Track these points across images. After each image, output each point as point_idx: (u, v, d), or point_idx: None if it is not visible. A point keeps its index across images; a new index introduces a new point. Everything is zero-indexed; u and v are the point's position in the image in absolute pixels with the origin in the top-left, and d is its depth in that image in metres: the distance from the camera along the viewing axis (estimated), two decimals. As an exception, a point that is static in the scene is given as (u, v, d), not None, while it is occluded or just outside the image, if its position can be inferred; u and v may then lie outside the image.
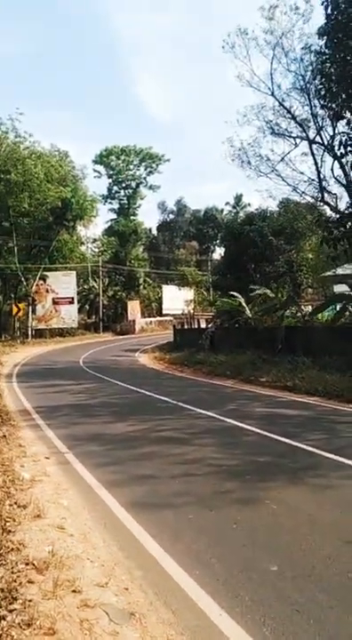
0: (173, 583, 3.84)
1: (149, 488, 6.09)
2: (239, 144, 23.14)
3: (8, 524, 4.56)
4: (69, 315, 50.33)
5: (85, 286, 60.85)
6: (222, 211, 78.32)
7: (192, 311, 45.75)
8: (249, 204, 69.82)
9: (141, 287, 64.75)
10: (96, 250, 66.01)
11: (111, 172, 70.46)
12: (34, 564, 3.84)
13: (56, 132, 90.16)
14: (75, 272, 52.04)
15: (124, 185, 71.59)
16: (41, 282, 48.02)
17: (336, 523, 4.98)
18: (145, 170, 71.56)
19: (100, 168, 70.41)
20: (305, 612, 3.43)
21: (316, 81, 19.58)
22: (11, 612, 3.16)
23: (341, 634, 3.21)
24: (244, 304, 23.75)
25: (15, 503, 5.12)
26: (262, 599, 3.60)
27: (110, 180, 71.31)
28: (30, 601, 3.32)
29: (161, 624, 3.30)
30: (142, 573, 3.98)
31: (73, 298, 50.71)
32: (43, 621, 3.12)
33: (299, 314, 22.16)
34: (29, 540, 4.33)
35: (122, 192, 72.15)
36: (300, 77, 21.01)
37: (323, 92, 18.26)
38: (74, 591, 3.57)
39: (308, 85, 20.75)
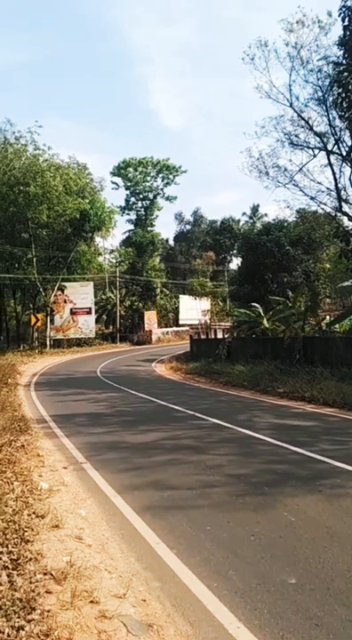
0: (191, 595, 3.82)
1: (167, 498, 6.08)
2: (257, 154, 23.18)
3: (26, 533, 4.58)
4: (87, 325, 50.63)
5: (103, 296, 61.27)
6: (239, 221, 78.32)
7: (209, 321, 45.64)
8: (266, 215, 69.89)
9: (158, 297, 64.91)
10: (113, 260, 66.52)
11: (129, 184, 71.02)
12: (52, 574, 3.85)
13: (73, 144, 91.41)
14: (92, 283, 52.43)
15: (141, 196, 72.09)
16: (59, 292, 48.44)
17: (355, 536, 4.91)
18: (162, 181, 71.99)
19: (118, 180, 71.06)
20: (324, 625, 3.38)
21: (334, 91, 19.58)
22: (29, 622, 3.16)
23: (361, 650, 3.16)
24: (261, 313, 23.68)
25: (33, 513, 5.15)
26: (281, 612, 3.56)
27: (128, 192, 71.90)
28: (48, 611, 3.33)
29: (179, 636, 3.29)
30: (160, 585, 3.97)
31: (90, 308, 51.03)
32: (61, 632, 3.13)
33: (317, 325, 22.02)
34: (47, 550, 4.35)
35: (139, 203, 72.64)
36: (318, 88, 21.04)
37: (340, 103, 18.25)
38: (92, 602, 3.58)
39: (325, 96, 20.77)
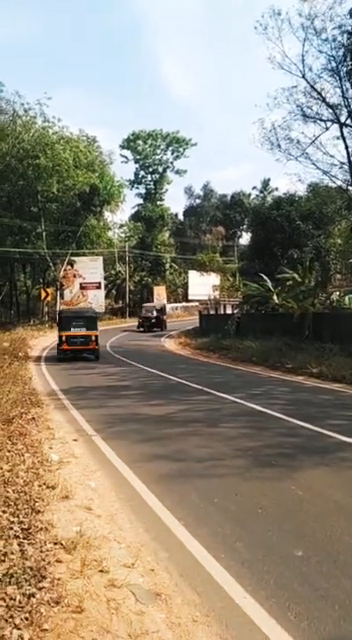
0: (199, 566, 3.87)
1: (176, 471, 6.13)
2: (269, 126, 22.69)
3: (37, 504, 4.65)
4: (96, 300, 50.61)
5: (112, 271, 61.14)
6: (249, 195, 77.24)
7: (218, 297, 45.51)
8: (276, 189, 68.74)
9: (167, 273, 64.71)
10: (123, 235, 66.14)
11: (138, 157, 70.09)
12: (62, 544, 3.92)
13: (82, 117, 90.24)
14: (102, 257, 52.26)
15: (150, 170, 71.19)
16: (69, 267, 48.37)
17: (363, 510, 4.94)
18: (172, 154, 70.95)
19: (127, 153, 70.11)
20: (330, 597, 3.42)
21: (348, 62, 19.03)
22: (40, 589, 3.22)
23: (367, 621, 3.19)
24: (271, 288, 23.51)
25: (44, 484, 5.22)
26: (287, 584, 3.59)
27: (137, 165, 71.00)
28: (59, 579, 3.39)
29: (186, 605, 3.34)
30: (168, 555, 4.02)
31: (100, 283, 50.97)
32: (71, 599, 3.18)
33: (327, 300, 21.86)
34: (58, 521, 4.42)
35: (149, 177, 71.78)
36: (332, 59, 20.45)
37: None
38: (101, 571, 3.63)
39: (339, 67, 20.20)
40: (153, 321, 40.93)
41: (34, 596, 3.13)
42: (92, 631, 2.94)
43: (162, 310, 44.25)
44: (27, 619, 2.93)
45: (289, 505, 5.07)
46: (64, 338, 20.24)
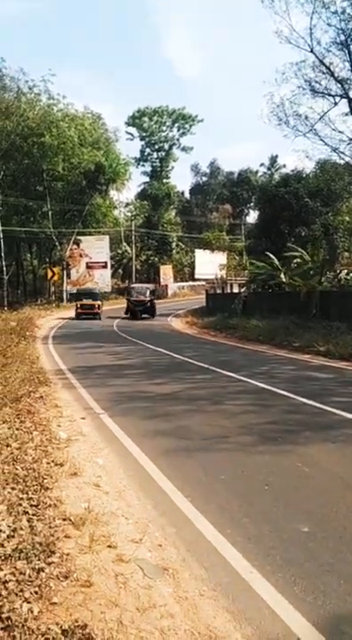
0: (205, 541, 3.90)
1: (183, 448, 6.16)
2: (278, 101, 22.27)
3: (46, 481, 4.69)
4: (103, 279, 50.65)
5: (118, 251, 60.93)
6: (257, 172, 76.28)
7: (225, 276, 45.29)
8: (284, 166, 67.85)
9: (174, 252, 64.42)
10: (129, 214, 65.75)
11: (144, 134, 69.23)
12: (71, 520, 3.96)
13: (85, 93, 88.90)
14: (108, 236, 52.10)
15: (156, 147, 70.37)
16: (75, 246, 48.31)
17: (369, 487, 4.96)
18: (178, 131, 70.01)
19: (133, 130, 69.26)
20: (335, 572, 3.44)
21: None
22: (49, 564, 3.27)
23: (372, 595, 3.22)
24: (278, 266, 23.37)
25: (52, 461, 5.26)
26: (293, 559, 3.63)
27: (143, 143, 70.18)
28: (68, 555, 3.44)
29: (193, 580, 3.38)
30: (175, 531, 4.06)
31: (106, 262, 50.93)
32: (79, 574, 3.23)
33: (335, 278, 21.70)
34: (66, 497, 4.46)
35: (154, 154, 71.00)
36: (341, 32, 19.94)
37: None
38: (109, 546, 3.68)
39: (348, 40, 19.71)
40: (147, 305, 33.63)
41: (43, 571, 3.18)
42: (100, 604, 2.99)
43: (154, 293, 37.35)
44: (36, 592, 2.98)
45: (295, 481, 5.10)
46: (79, 305, 33.39)
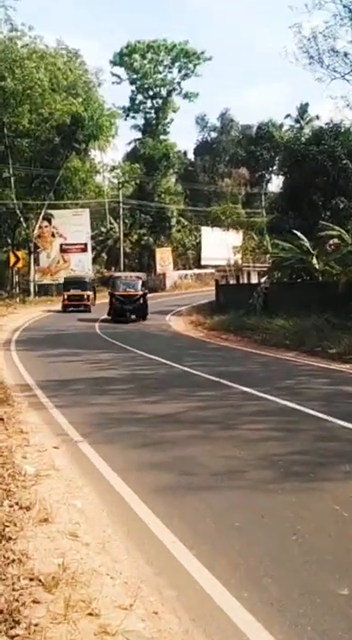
0: (215, 607, 3.91)
1: (185, 486, 6.18)
2: (309, 33, 22.34)
3: (8, 529, 4.70)
4: (82, 266, 50.67)
5: (102, 229, 61.03)
6: (281, 126, 76.24)
7: (240, 262, 45.36)
8: (317, 117, 67.76)
9: (174, 230, 64.47)
10: (115, 181, 65.74)
11: (134, 77, 69.37)
12: (40, 580, 3.96)
13: (61, 25, 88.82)
14: (88, 210, 52.19)
15: (151, 93, 70.50)
16: (45, 223, 48.35)
17: None
18: (179, 72, 70.29)
19: (121, 71, 69.52)
20: (384, 648, 3.46)
21: None
22: (12, 638, 3.27)
23: None
24: (310, 249, 23.38)
25: (16, 504, 5.27)
26: (329, 630, 3.63)
27: (133, 87, 70.41)
28: (36, 625, 3.44)
29: (199, 658, 3.39)
30: (176, 594, 4.07)
31: (86, 244, 50.99)
32: (52, 651, 3.24)
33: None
34: (34, 550, 4.47)
35: (148, 103, 71.21)
36: None
37: None
38: (90, 614, 3.68)
39: None
40: (139, 302, 31.44)
41: (5, 646, 3.20)
42: None
43: (146, 285, 35.22)
44: None
45: (331, 529, 5.11)
46: (66, 296, 38.25)
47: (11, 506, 5.21)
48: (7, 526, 4.76)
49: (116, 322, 30.26)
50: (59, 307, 38.40)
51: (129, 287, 32.06)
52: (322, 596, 4.02)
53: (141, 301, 31.44)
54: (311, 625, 3.69)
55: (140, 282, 33.11)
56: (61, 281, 50.11)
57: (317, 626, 3.68)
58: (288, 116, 76.21)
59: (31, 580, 3.98)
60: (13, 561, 4.20)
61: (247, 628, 3.66)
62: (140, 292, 31.80)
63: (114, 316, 30.95)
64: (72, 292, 38.48)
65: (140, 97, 71.04)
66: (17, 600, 3.65)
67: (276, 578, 4.29)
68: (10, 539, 4.56)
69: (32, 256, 47.91)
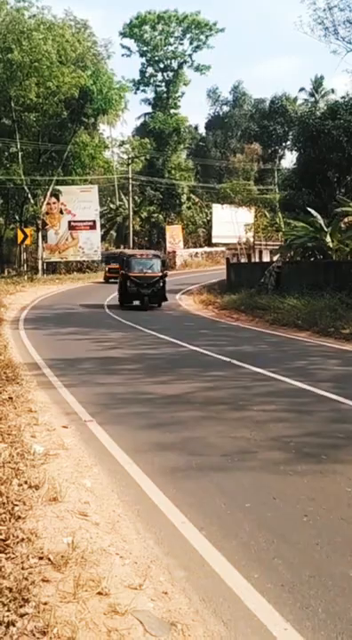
0: (225, 588, 3.94)
1: (195, 467, 6.20)
2: (324, 4, 22.00)
3: (17, 508, 4.73)
4: (90, 243, 50.52)
5: (111, 205, 60.78)
6: (295, 100, 75.31)
7: (252, 240, 45.13)
8: (332, 91, 67.10)
9: (184, 207, 64.08)
10: (125, 156, 65.41)
11: (145, 49, 68.62)
12: (49, 559, 3.99)
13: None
14: (97, 186, 51.93)
15: (161, 65, 69.77)
16: (53, 199, 48.15)
17: None
18: (190, 44, 69.41)
19: (130, 43, 68.72)
20: None
21: None
22: (21, 616, 3.29)
23: None
24: (323, 226, 23.22)
25: (25, 483, 5.31)
26: (340, 612, 3.65)
27: (144, 60, 69.64)
28: (45, 604, 3.47)
29: (209, 638, 3.42)
30: (186, 574, 4.10)
31: (94, 221, 50.74)
32: (61, 629, 3.26)
33: None
34: (43, 529, 4.51)
35: (159, 75, 70.48)
36: None
37: None
38: (99, 594, 3.71)
39: None
40: (159, 285, 26.52)
41: (14, 625, 3.22)
42: (88, 669, 3.03)
43: (165, 264, 30.23)
44: (6, 653, 3.03)
45: (343, 512, 5.12)
46: (107, 268, 41.87)
47: (20, 485, 5.24)
48: (16, 505, 4.79)
49: (128, 309, 26.22)
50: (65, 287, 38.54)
51: (146, 268, 26.69)
52: (333, 578, 4.04)
53: (161, 284, 26.56)
54: (322, 607, 3.71)
55: (159, 261, 27.84)
56: (70, 259, 50.47)
57: (329, 608, 3.70)
58: (302, 89, 75.40)
59: (40, 558, 4.01)
60: (23, 540, 4.23)
61: (257, 609, 3.69)
62: (159, 274, 26.50)
63: (126, 300, 26.77)
64: (112, 265, 40.29)
65: (150, 70, 70.39)
66: (26, 579, 3.68)
67: (286, 559, 4.31)
68: (19, 517, 4.59)
69: (40, 233, 47.79)
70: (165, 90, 70.24)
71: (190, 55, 70.07)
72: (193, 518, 4.95)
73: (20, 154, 44.58)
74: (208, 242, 64.68)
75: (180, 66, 70.21)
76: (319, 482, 5.81)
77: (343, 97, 30.53)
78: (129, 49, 69.08)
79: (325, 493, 5.53)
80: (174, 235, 60.10)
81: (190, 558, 4.34)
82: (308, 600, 3.79)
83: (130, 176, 58.62)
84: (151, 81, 70.80)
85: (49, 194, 47.30)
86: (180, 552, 4.43)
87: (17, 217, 52.07)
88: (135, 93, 70.06)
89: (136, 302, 26.17)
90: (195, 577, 4.08)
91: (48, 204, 47.83)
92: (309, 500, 5.36)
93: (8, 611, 3.32)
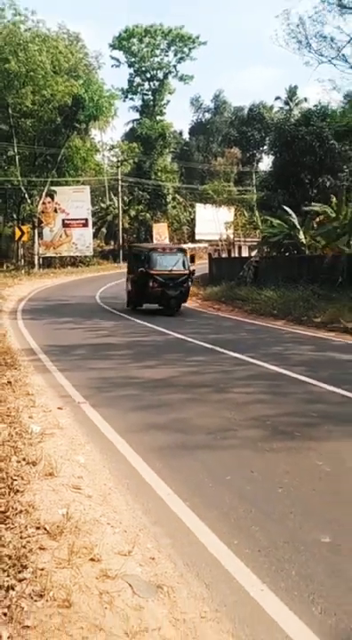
0: (207, 553, 3.97)
1: (180, 444, 6.23)
2: (297, 20, 21.99)
3: (16, 482, 4.73)
4: (83, 240, 50.34)
5: (102, 205, 60.48)
6: (272, 108, 75.21)
7: (232, 236, 45.13)
8: (305, 100, 66.97)
9: (170, 206, 63.89)
10: (114, 159, 65.09)
11: (132, 60, 68.11)
12: (46, 529, 4.00)
13: (61, 9, 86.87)
14: (88, 187, 51.66)
15: (148, 75, 69.33)
16: (48, 199, 47.88)
17: None
18: (175, 56, 68.99)
19: (119, 54, 68.23)
20: (363, 590, 3.52)
21: None
22: (20, 581, 3.31)
23: None
24: (297, 224, 23.27)
25: (23, 459, 5.30)
26: (311, 574, 3.69)
27: (132, 70, 69.14)
28: (42, 569, 3.48)
29: (192, 599, 3.44)
30: (171, 541, 4.12)
31: (87, 220, 50.52)
32: (57, 592, 3.27)
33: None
34: (40, 502, 4.51)
35: (146, 85, 70.04)
36: None
37: None
38: (92, 560, 3.73)
39: None
40: (186, 285, 20.62)
41: (13, 589, 3.23)
42: (81, 628, 3.04)
43: (193, 262, 22.88)
44: (5, 614, 3.02)
45: (315, 483, 5.16)
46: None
47: (18, 461, 5.24)
48: (15, 480, 4.79)
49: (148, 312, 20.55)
50: (60, 280, 38.21)
51: (171, 264, 20.26)
52: (305, 544, 4.08)
53: (188, 284, 20.80)
54: (295, 570, 3.75)
55: (185, 256, 21.23)
56: (64, 254, 50.27)
57: (301, 571, 3.74)
58: (278, 98, 75.31)
59: (37, 528, 4.02)
60: (21, 511, 4.24)
61: (237, 572, 3.73)
62: (187, 271, 20.52)
63: (144, 303, 20.93)
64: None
65: (137, 79, 69.92)
66: (24, 547, 3.69)
67: (263, 527, 4.34)
68: (18, 491, 4.60)
69: (36, 230, 47.52)
70: (152, 98, 69.84)
71: (175, 66, 69.75)
72: (178, 491, 4.97)
73: (17, 157, 44.18)
74: (192, 238, 64.53)
75: (166, 76, 69.85)
76: (293, 457, 5.85)
77: (315, 105, 30.59)
78: (118, 60, 68.67)
79: (299, 467, 5.56)
80: (160, 232, 59.91)
81: (175, 527, 4.36)
82: (282, 564, 3.82)
83: (119, 178, 58.36)
84: (139, 90, 70.36)
85: (44, 194, 47.03)
86: (166, 521, 4.45)
87: (14, 215, 51.66)
88: (124, 101, 69.70)
89: (155, 305, 20.35)
90: (179, 544, 4.10)
91: (43, 203, 47.54)
92: (284, 473, 5.39)
93: (8, 576, 3.34)
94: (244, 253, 34.33)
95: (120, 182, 58.09)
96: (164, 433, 6.66)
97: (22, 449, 5.62)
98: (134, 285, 20.84)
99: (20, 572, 3.41)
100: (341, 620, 3.24)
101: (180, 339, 14.24)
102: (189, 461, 5.77)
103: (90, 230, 51.64)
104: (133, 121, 69.96)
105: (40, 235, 48.25)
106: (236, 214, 53.13)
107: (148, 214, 61.32)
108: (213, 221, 51.37)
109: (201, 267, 39.17)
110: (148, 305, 20.61)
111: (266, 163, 67.96)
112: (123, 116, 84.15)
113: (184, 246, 27.48)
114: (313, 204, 24.03)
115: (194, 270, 21.43)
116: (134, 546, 3.97)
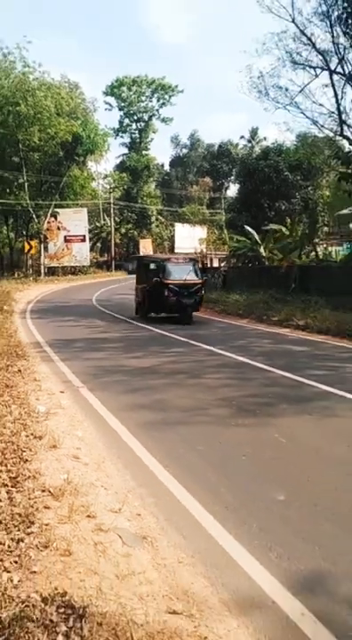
0: (184, 510, 3.97)
1: (161, 421, 6.22)
2: (257, 73, 22.04)
3: (24, 453, 4.70)
4: (81, 253, 50.08)
5: (97, 224, 60.15)
6: (237, 145, 75.35)
7: (205, 250, 45.10)
8: (265, 139, 67.15)
9: (153, 225, 63.81)
10: (107, 186, 64.76)
11: (122, 104, 67.77)
12: (50, 491, 3.98)
13: (63, 61, 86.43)
14: (85, 209, 51.33)
15: (135, 117, 69.06)
16: (52, 219, 47.50)
17: (343, 456, 5.08)
18: (157, 101, 68.75)
19: (111, 100, 67.79)
20: (310, 539, 3.54)
21: (339, 5, 18.35)
22: (28, 534, 3.30)
23: (345, 560, 3.32)
24: (258, 240, 23.39)
25: (31, 434, 5.26)
26: (269, 526, 3.72)
27: (122, 113, 68.77)
28: (47, 525, 3.46)
29: (172, 547, 3.44)
30: (154, 500, 4.12)
31: (85, 235, 50.26)
32: (59, 543, 3.26)
33: (312, 252, 21.87)
34: (45, 469, 4.47)
35: (133, 125, 69.73)
36: (323, 2, 19.61)
37: (346, 19, 17.19)
38: (88, 516, 3.71)
39: (330, 11, 19.40)
40: (200, 294, 17.47)
41: (23, 541, 3.21)
42: (79, 572, 3.03)
43: (205, 271, 22.54)
44: (16, 562, 3.01)
45: (272, 452, 5.20)
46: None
47: (27, 436, 5.19)
48: (24, 451, 4.75)
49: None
50: (62, 286, 37.94)
51: (185, 274, 17.24)
52: (265, 502, 4.10)
53: (202, 293, 17.68)
54: (256, 523, 3.77)
55: (196, 266, 18.53)
56: (65, 264, 49.95)
57: (261, 523, 3.76)
58: (242, 137, 75.42)
59: (43, 491, 3.99)
60: (29, 477, 4.20)
61: (208, 525, 3.75)
62: (200, 280, 17.61)
63: (161, 310, 17.60)
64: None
65: (127, 120, 69.59)
66: (32, 506, 3.67)
67: (229, 488, 4.36)
68: (26, 460, 4.56)
69: (42, 245, 47.14)
70: (138, 136, 69.58)
71: (157, 110, 69.49)
72: (160, 459, 4.96)
73: (26, 184, 43.72)
74: (172, 252, 64.32)
75: (150, 118, 69.63)
76: (254, 430, 5.88)
77: (273, 143, 30.76)
78: (110, 104, 68.23)
79: (260, 439, 5.59)
80: (146, 246, 59.70)
81: (158, 489, 4.36)
82: (245, 517, 3.84)
83: (111, 202, 58.14)
84: (127, 129, 70.03)
85: (49, 214, 46.69)
86: (151, 484, 4.45)
87: (24, 232, 51.10)
88: (115, 138, 69.16)
89: (167, 313, 17.38)
90: (161, 502, 4.10)
91: (48, 222, 47.17)
92: (247, 443, 5.42)
93: (18, 530, 3.33)
94: (215, 264, 34.41)
95: (112, 205, 57.90)
96: (148, 411, 6.65)
97: (30, 425, 5.57)
98: (147, 295, 17.65)
99: (28, 527, 3.39)
100: (293, 563, 3.27)
101: (161, 334, 14.22)
102: (169, 434, 5.77)
103: (87, 245, 51.35)
104: (123, 155, 69.63)
105: (46, 248, 47.87)
106: (208, 232, 53.05)
107: (135, 232, 61.18)
108: (190, 238, 51.37)
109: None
110: (154, 313, 17.81)
111: (232, 190, 68.17)
112: (114, 151, 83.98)
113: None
114: (271, 224, 24.17)
115: (206, 279, 19.37)
116: (124, 504, 3.96)
